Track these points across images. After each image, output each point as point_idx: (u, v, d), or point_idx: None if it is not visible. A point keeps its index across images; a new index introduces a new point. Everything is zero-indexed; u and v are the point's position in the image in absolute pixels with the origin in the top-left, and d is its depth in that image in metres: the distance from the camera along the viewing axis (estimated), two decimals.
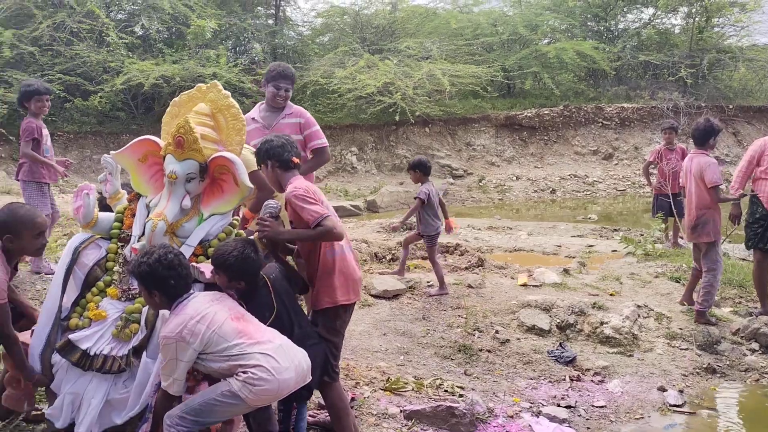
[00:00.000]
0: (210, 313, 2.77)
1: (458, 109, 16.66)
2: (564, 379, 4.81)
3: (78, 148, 13.20)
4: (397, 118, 14.78)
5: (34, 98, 5.43)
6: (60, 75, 12.76)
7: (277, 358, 2.77)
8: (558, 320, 5.56)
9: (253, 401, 2.73)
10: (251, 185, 3.19)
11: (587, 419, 4.22)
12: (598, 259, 7.82)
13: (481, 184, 15.28)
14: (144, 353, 2.99)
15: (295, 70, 15.70)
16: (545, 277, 6.58)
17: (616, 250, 8.17)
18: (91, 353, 3.03)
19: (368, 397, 4.09)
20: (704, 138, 5.77)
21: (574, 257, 7.86)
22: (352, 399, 3.91)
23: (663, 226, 8.41)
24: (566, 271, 6.93)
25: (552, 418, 4.18)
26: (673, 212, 8.06)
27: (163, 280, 2.77)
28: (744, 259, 7.62)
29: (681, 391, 4.71)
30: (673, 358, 5.19)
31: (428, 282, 6.33)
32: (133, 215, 3.28)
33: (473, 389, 4.47)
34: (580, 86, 18.59)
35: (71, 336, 3.06)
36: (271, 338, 2.85)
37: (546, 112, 17.05)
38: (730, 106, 18.11)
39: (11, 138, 12.40)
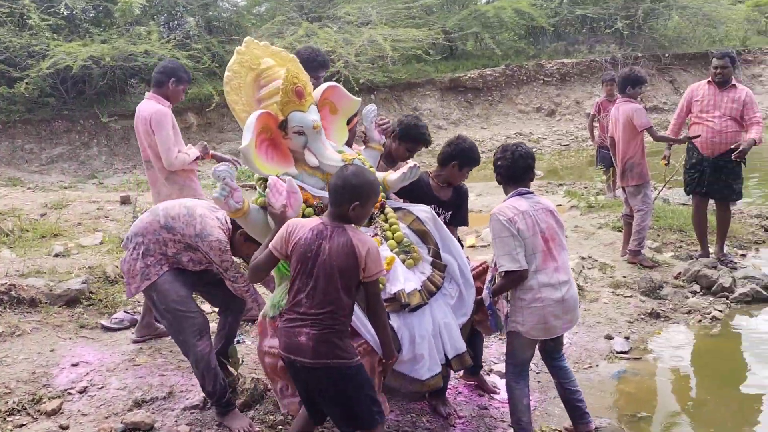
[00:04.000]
0: None
1: (402, 74, 16.49)
2: None
3: (8, 139, 12.59)
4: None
5: None
6: None
7: None
8: None
9: None
10: (358, 98, 3.53)
11: (537, 373, 4.27)
12: None
13: (430, 148, 15.24)
14: (441, 254, 3.28)
15: (233, 43, 15.06)
16: None
17: (560, 205, 8.27)
18: (409, 290, 3.05)
19: None
20: (624, 85, 6.04)
21: None
22: None
23: (604, 177, 8.55)
24: None
25: (503, 375, 4.22)
26: (613, 163, 8.19)
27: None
28: (684, 204, 7.83)
29: (627, 338, 4.83)
30: (618, 306, 5.31)
31: None
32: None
33: None
34: (520, 44, 18.58)
35: (392, 290, 3.04)
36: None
37: (489, 72, 17.04)
38: (666, 55, 18.43)
39: None
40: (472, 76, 16.86)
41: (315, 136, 3.20)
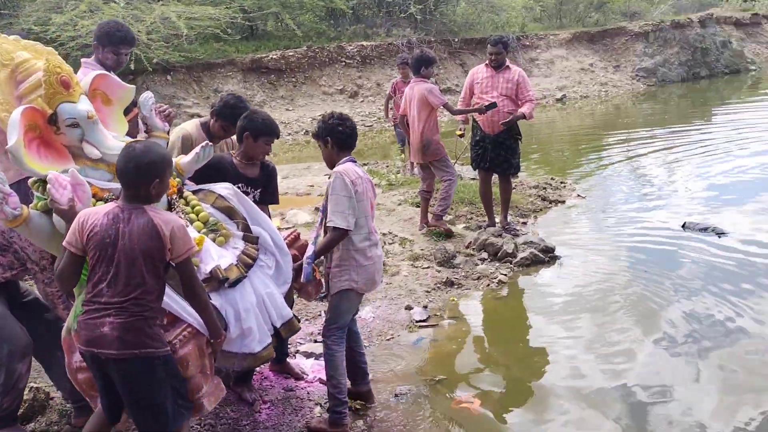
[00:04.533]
0: None
1: (200, 54, 15.82)
2: (320, 315, 4.92)
3: None
4: (132, 66, 13.60)
5: None
6: None
7: None
8: None
9: None
10: (131, 86, 3.31)
11: None
12: None
13: None
14: (251, 227, 3.27)
15: (2, 18, 13.40)
16: (297, 218, 6.65)
17: None
18: (225, 266, 3.00)
19: None
20: (418, 66, 6.38)
21: None
22: None
23: (402, 156, 8.95)
24: (318, 209, 7.04)
25: (308, 355, 4.27)
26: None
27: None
28: (474, 179, 8.44)
29: (425, 307, 5.12)
30: (417, 277, 5.60)
31: None
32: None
33: None
34: (321, 26, 18.73)
35: (207, 269, 2.95)
36: None
37: (291, 53, 16.95)
38: (456, 39, 19.66)
39: None
40: (275, 57, 16.67)
41: (91, 126, 2.97)
